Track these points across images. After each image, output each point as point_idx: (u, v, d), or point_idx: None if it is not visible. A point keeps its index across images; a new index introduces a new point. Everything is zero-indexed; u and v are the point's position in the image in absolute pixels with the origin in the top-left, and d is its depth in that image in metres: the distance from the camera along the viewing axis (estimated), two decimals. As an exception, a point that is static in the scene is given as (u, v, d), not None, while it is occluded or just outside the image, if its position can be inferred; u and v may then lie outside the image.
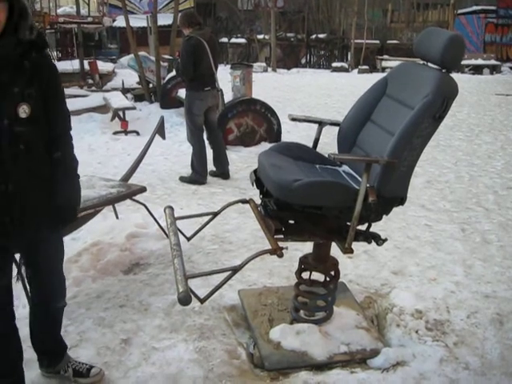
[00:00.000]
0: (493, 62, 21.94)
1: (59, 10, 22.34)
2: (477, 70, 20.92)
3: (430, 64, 2.75)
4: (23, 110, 2.10)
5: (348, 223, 2.61)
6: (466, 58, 20.77)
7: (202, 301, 2.40)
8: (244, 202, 3.08)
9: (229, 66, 9.63)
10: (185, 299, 2.21)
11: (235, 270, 2.47)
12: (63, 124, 2.33)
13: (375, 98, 3.01)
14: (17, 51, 2.07)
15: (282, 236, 2.66)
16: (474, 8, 25.49)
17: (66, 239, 3.71)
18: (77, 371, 2.70)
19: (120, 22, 20.49)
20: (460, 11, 25.12)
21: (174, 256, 2.45)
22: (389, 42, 24.19)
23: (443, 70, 2.63)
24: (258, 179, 2.88)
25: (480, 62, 21.55)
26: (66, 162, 2.34)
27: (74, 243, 4.14)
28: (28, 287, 2.62)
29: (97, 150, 7.55)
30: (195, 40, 5.67)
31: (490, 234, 4.76)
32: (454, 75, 2.63)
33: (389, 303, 3.40)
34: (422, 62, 2.83)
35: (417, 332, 3.09)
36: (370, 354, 2.92)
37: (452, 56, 2.60)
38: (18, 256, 2.66)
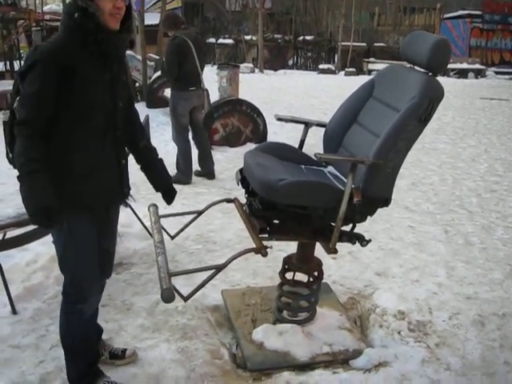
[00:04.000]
0: (478, 66, 22.18)
1: (45, 8, 22.12)
2: (462, 74, 21.12)
3: (416, 67, 2.76)
4: (126, 96, 2.43)
5: (332, 224, 2.61)
6: (451, 62, 20.96)
7: (185, 299, 2.39)
8: (229, 201, 3.07)
9: (216, 67, 9.62)
10: (168, 296, 2.19)
11: (219, 269, 2.46)
12: (138, 115, 2.62)
13: (362, 99, 3.02)
14: (127, 46, 2.41)
15: (266, 235, 2.65)
16: (460, 12, 25.72)
17: (49, 238, 3.69)
18: (112, 354, 2.79)
19: (107, 20, 20.34)
20: (446, 15, 25.36)
21: (157, 254, 2.43)
22: (375, 44, 24.35)
23: (429, 73, 2.65)
24: (243, 178, 2.87)
25: (465, 66, 21.78)
26: (153, 149, 2.64)
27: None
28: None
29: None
30: (180, 40, 5.65)
31: (473, 236, 4.80)
32: (440, 78, 2.65)
33: (372, 304, 3.41)
34: (408, 65, 2.84)
35: (399, 333, 3.11)
36: (352, 354, 2.92)
37: (438, 59, 2.62)
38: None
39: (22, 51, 16.44)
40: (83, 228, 2.34)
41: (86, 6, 2.12)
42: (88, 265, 2.41)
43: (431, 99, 2.55)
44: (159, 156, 2.65)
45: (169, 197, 2.70)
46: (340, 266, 3.98)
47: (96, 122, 2.27)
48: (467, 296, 3.61)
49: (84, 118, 2.23)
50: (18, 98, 2.19)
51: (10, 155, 2.27)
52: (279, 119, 3.18)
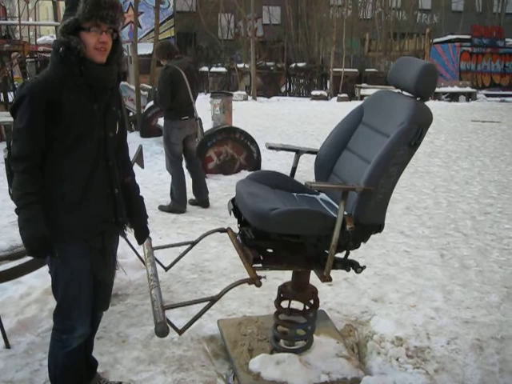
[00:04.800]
0: (468, 89, 22.43)
1: (39, 39, 22.32)
2: (453, 97, 21.35)
3: (404, 92, 2.79)
4: (116, 127, 2.43)
5: (326, 251, 2.60)
6: (442, 86, 21.23)
7: (180, 332, 2.37)
8: (222, 230, 3.06)
9: (209, 95, 9.68)
10: (162, 331, 2.18)
11: (213, 300, 2.44)
12: (127, 150, 2.62)
13: (351, 126, 3.04)
14: (115, 78, 2.38)
15: (260, 265, 2.63)
16: (450, 37, 26.15)
17: (43, 270, 3.67)
18: None
19: (100, 51, 20.50)
20: (436, 40, 25.75)
21: (151, 287, 2.42)
22: (367, 70, 24.66)
23: (417, 98, 2.67)
24: (235, 208, 2.87)
25: (456, 89, 22.02)
26: (136, 186, 2.64)
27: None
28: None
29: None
30: (172, 69, 5.70)
31: (469, 259, 4.79)
32: (431, 102, 2.69)
33: (369, 331, 3.39)
34: (397, 90, 2.87)
35: (397, 359, 3.08)
36: (350, 382, 2.89)
37: (426, 84, 2.64)
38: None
39: (16, 83, 16.52)
40: (74, 257, 2.34)
41: (68, 41, 2.18)
42: (77, 293, 2.40)
43: (420, 124, 2.56)
44: (141, 194, 2.67)
45: (141, 237, 2.70)
46: (336, 293, 3.95)
47: (85, 152, 2.30)
48: (465, 320, 3.59)
49: (72, 147, 2.26)
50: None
51: (11, 190, 2.31)
52: (270, 148, 3.19)
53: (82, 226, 2.32)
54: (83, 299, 2.41)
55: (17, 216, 2.21)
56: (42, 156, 2.22)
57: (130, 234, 2.71)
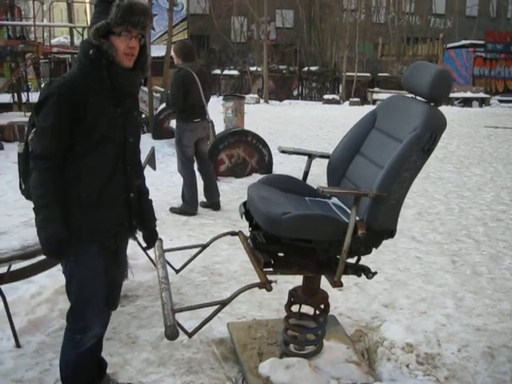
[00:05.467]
0: (482, 94, 22.32)
1: (53, 41, 22.50)
2: (466, 102, 21.25)
3: (418, 97, 2.77)
4: (136, 132, 2.49)
5: (337, 256, 2.59)
6: (455, 91, 21.13)
7: (189, 335, 2.37)
8: (233, 234, 3.06)
9: (221, 98, 9.69)
10: (172, 334, 2.18)
11: (223, 304, 2.44)
12: (140, 153, 2.62)
13: (364, 131, 3.03)
14: (139, 83, 2.44)
15: (271, 269, 2.63)
16: (463, 42, 26.05)
17: (54, 270, 3.69)
18: None
19: (114, 53, 20.58)
20: (449, 45, 25.66)
21: (161, 289, 2.42)
22: (379, 74, 24.60)
23: (431, 104, 2.66)
24: (247, 211, 2.87)
25: (469, 94, 21.93)
26: (146, 190, 2.65)
27: (61, 274, 4.07)
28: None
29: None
30: (185, 71, 5.72)
31: (481, 266, 4.75)
32: (444, 108, 2.67)
33: (379, 336, 3.37)
34: (410, 95, 2.86)
35: (408, 366, 3.06)
36: (360, 388, 2.87)
37: (440, 90, 2.63)
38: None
39: (29, 83, 16.65)
40: (89, 256, 2.36)
41: (99, 44, 2.20)
42: (91, 293, 2.42)
43: (434, 130, 2.55)
44: (150, 197, 2.68)
45: (150, 239, 2.72)
46: (347, 298, 3.94)
47: (104, 155, 2.32)
48: (476, 327, 3.56)
49: (92, 150, 2.27)
50: (33, 131, 2.26)
51: (23, 186, 2.34)
52: (282, 151, 3.19)
53: (96, 227, 2.34)
54: (97, 299, 2.43)
55: (29, 215, 2.23)
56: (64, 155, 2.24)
57: (139, 235, 2.72)
